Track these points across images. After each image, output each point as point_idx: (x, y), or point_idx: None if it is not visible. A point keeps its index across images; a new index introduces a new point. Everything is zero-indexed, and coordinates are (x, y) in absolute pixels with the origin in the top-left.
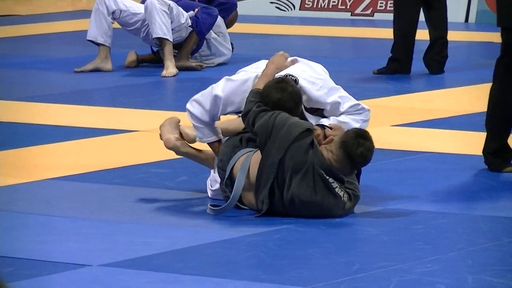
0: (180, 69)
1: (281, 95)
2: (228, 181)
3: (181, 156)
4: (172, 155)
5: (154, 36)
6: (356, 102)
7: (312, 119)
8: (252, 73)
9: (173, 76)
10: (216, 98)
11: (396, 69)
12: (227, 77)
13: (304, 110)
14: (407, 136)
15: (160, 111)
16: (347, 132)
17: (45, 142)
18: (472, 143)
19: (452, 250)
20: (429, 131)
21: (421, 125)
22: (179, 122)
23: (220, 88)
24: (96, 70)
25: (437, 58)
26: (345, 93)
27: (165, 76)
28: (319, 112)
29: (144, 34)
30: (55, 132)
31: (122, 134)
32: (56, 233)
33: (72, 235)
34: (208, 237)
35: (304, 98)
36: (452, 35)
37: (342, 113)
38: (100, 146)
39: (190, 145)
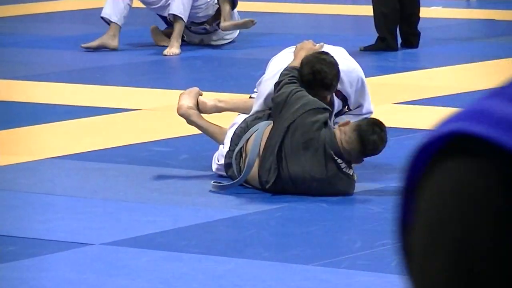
0: (231, 28)
1: (323, 66)
2: (238, 154)
3: (192, 126)
4: (174, 133)
5: (170, 12)
6: (369, 106)
7: (337, 103)
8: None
9: (175, 55)
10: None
11: (382, 46)
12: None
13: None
14: (410, 114)
15: (162, 89)
16: (365, 118)
17: (47, 120)
18: None
19: None
20: (431, 108)
21: (424, 102)
22: (199, 92)
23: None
24: (102, 46)
25: (414, 33)
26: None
27: (166, 55)
28: (341, 97)
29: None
30: (57, 110)
31: (125, 112)
32: (58, 212)
33: (74, 214)
34: (210, 215)
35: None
36: (454, 13)
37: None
38: (103, 124)
39: (204, 116)
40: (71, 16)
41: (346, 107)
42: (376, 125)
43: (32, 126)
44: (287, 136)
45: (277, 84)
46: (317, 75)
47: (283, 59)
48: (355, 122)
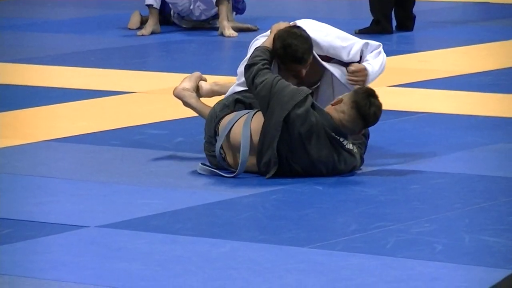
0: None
1: (293, 40)
2: (214, 141)
3: (187, 109)
4: (169, 116)
5: None
6: (366, 41)
7: (331, 67)
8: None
9: (235, 36)
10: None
11: (377, 29)
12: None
13: (319, 59)
14: (404, 97)
15: (157, 72)
16: (356, 91)
17: (42, 104)
18: (469, 103)
19: (449, 210)
20: (425, 91)
21: (418, 85)
22: (200, 77)
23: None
24: (153, 33)
25: (409, 16)
26: (352, 37)
27: (230, 36)
28: (335, 60)
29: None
30: (52, 94)
31: (119, 95)
32: (54, 194)
33: (69, 197)
34: (205, 198)
35: (317, 48)
36: None
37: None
38: (97, 107)
39: (201, 99)
40: (66, 0)
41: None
42: (370, 95)
43: (27, 109)
44: (285, 130)
45: (248, 67)
46: (288, 49)
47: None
48: (349, 98)
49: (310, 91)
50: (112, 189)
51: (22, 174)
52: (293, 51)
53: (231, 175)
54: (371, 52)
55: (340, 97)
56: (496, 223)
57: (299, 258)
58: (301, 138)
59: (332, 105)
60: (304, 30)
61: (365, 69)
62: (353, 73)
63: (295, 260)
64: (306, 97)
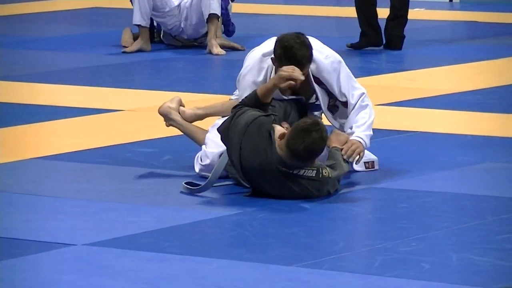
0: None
1: (295, 44)
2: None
3: (172, 127)
4: (157, 134)
5: (211, 12)
6: (356, 87)
7: (318, 91)
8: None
9: (223, 55)
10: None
11: (365, 42)
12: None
13: (312, 78)
14: (392, 115)
15: (146, 90)
16: (295, 125)
17: (30, 121)
18: (457, 122)
19: (437, 229)
20: (414, 110)
21: (406, 104)
22: (181, 102)
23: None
24: (140, 51)
25: (398, 35)
26: (347, 71)
27: (218, 54)
28: (324, 86)
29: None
30: (40, 111)
31: (108, 113)
32: (41, 212)
33: (57, 214)
34: (193, 216)
35: (313, 64)
36: (437, 15)
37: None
38: (86, 125)
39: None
40: (55, 17)
41: (335, 100)
42: (303, 130)
43: (16, 126)
44: (242, 159)
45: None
46: (287, 51)
47: (260, 50)
48: (288, 133)
49: (269, 113)
50: (99, 207)
51: (9, 192)
52: (292, 53)
53: (201, 186)
54: (360, 112)
55: (287, 130)
56: (484, 242)
57: (286, 277)
58: (257, 172)
59: (279, 138)
60: (307, 39)
61: (361, 145)
62: (348, 148)
63: (282, 278)
64: (258, 118)
